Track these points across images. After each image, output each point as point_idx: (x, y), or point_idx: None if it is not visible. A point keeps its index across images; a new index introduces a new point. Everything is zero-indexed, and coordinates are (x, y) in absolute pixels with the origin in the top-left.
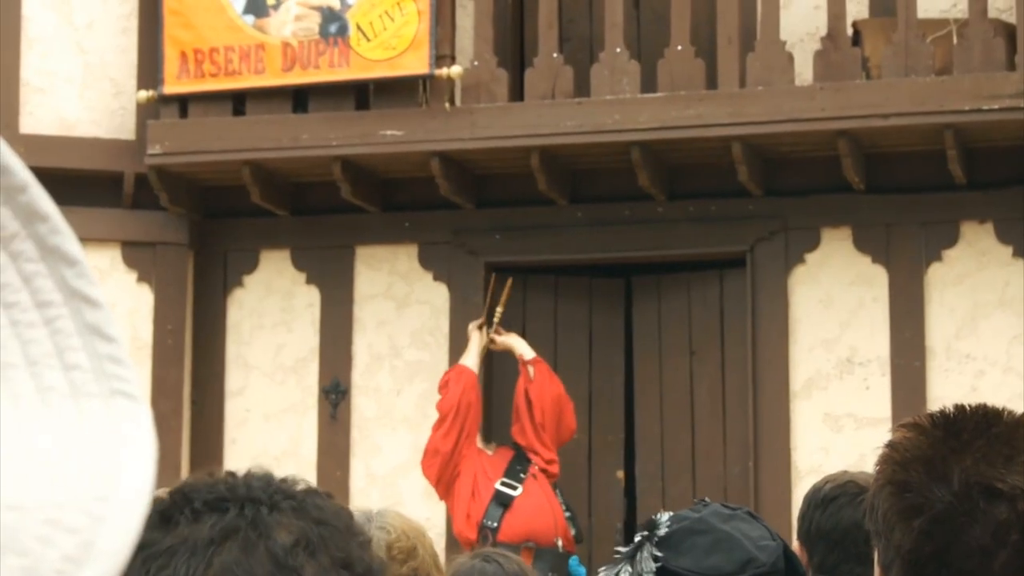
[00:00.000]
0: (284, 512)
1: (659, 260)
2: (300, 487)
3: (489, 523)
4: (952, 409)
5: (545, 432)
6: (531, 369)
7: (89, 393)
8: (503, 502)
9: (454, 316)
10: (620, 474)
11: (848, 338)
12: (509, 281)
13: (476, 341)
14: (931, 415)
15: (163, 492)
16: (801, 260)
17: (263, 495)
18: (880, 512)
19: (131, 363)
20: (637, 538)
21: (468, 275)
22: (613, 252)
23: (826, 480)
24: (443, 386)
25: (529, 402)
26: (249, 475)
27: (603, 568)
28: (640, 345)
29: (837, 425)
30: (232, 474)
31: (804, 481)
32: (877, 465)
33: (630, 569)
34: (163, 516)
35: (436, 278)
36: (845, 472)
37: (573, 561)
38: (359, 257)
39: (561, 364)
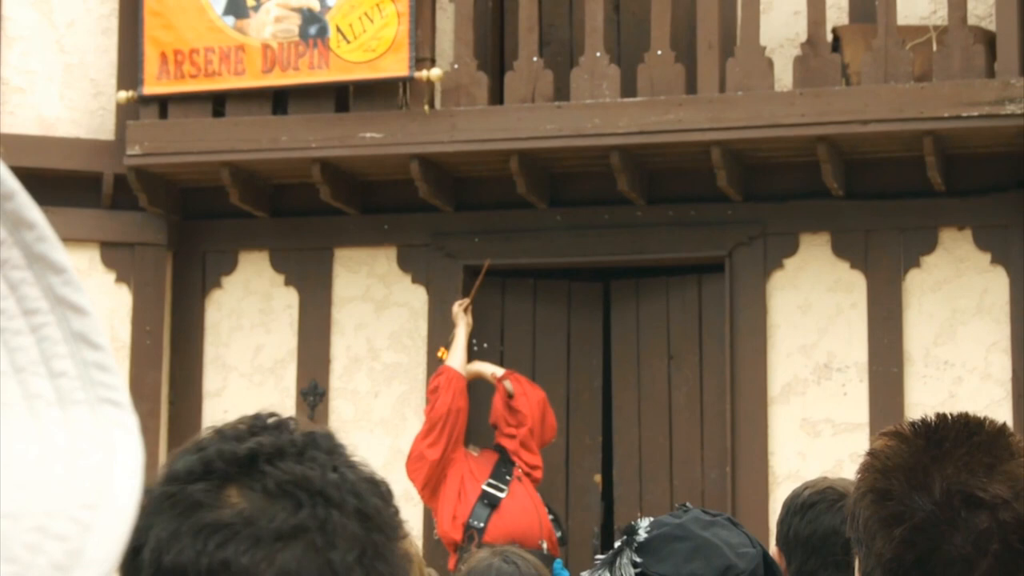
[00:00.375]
0: (350, 516)
1: (638, 264)
2: (364, 473)
3: (475, 523)
4: (934, 418)
5: (532, 439)
6: (508, 384)
7: (76, 400)
8: (490, 503)
9: (432, 319)
10: (597, 478)
11: (826, 344)
12: (486, 263)
13: (461, 331)
14: (912, 423)
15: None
16: (780, 265)
17: (335, 494)
18: (861, 520)
19: (118, 371)
20: (616, 544)
21: (447, 278)
22: (592, 256)
23: (805, 486)
24: (432, 392)
25: (516, 415)
26: (320, 457)
27: (583, 574)
28: (618, 349)
29: (815, 431)
30: (305, 435)
31: (781, 486)
32: (858, 473)
33: (608, 575)
34: (213, 470)
35: (415, 281)
36: (824, 478)
37: (557, 564)
38: (338, 259)
39: (539, 367)
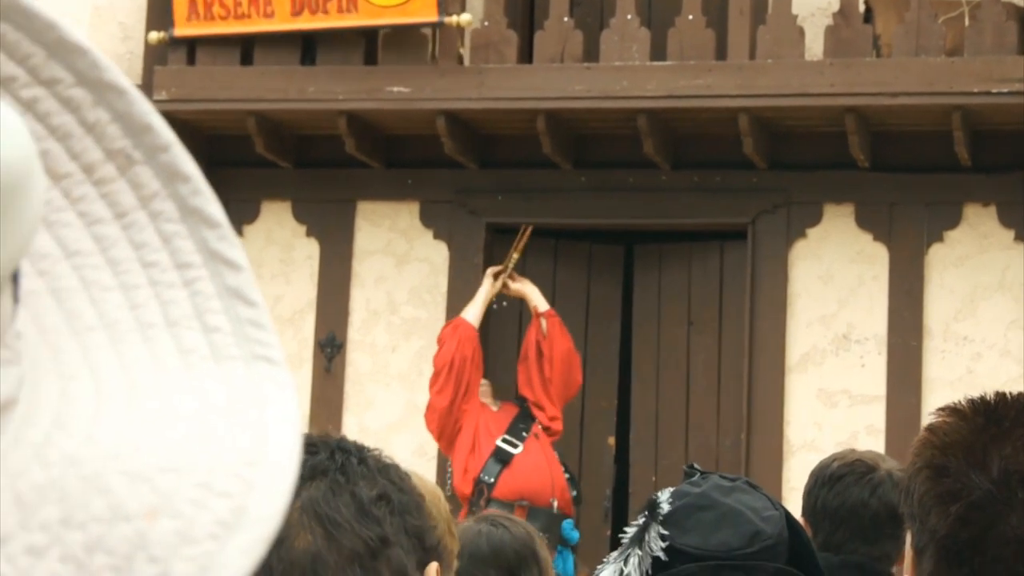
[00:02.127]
0: (370, 468)
1: (660, 228)
2: (386, 458)
3: (486, 478)
4: (993, 396)
5: (552, 386)
6: (544, 322)
7: (230, 356)
8: (502, 459)
9: (453, 275)
10: (611, 441)
11: (846, 315)
12: (528, 229)
13: (485, 290)
14: (972, 401)
15: None
16: (803, 235)
17: (352, 447)
18: (916, 496)
19: (272, 328)
20: (640, 520)
21: (468, 235)
22: (615, 218)
23: (834, 458)
24: (440, 340)
25: (540, 355)
26: (341, 436)
27: (611, 556)
28: (639, 313)
29: (831, 401)
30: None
31: (796, 456)
32: (914, 448)
33: (639, 552)
34: None
35: (436, 236)
36: (852, 450)
37: (567, 524)
38: (360, 212)
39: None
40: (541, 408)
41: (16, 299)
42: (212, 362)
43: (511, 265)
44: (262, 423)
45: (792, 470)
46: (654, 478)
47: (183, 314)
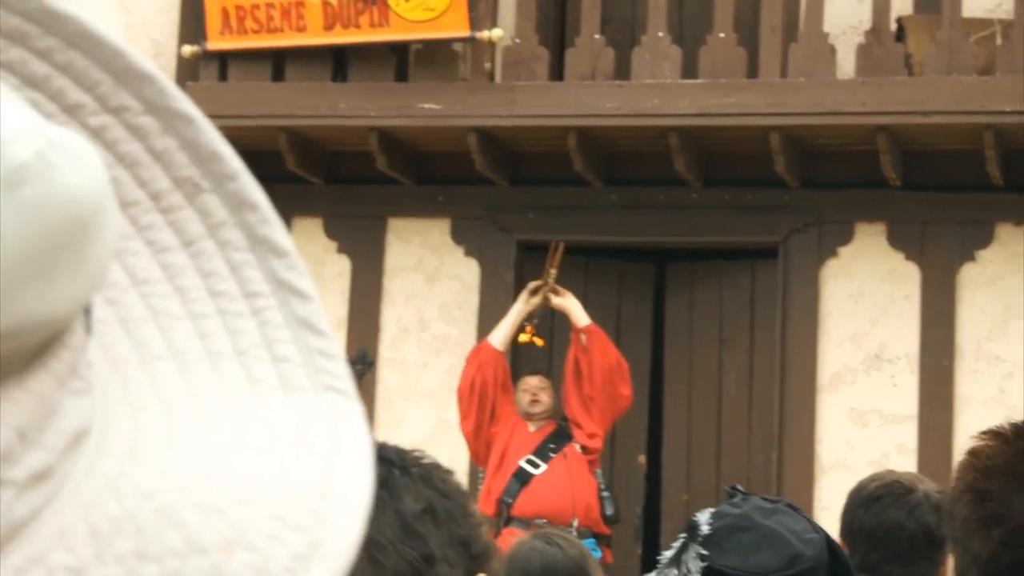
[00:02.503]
0: (413, 478)
1: (691, 247)
2: (427, 460)
3: (506, 499)
4: None
5: (593, 404)
6: (583, 338)
7: (300, 387)
8: (522, 479)
9: (484, 292)
10: (641, 459)
11: (878, 334)
12: (560, 245)
13: (518, 308)
14: (1015, 425)
15: None
16: (834, 253)
17: (395, 457)
18: (959, 519)
19: (342, 358)
20: (679, 539)
21: (499, 252)
22: (645, 236)
23: (872, 479)
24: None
25: (579, 372)
26: (380, 443)
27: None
28: (671, 332)
29: (862, 420)
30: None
31: (827, 475)
32: (957, 471)
33: (677, 572)
34: None
35: (467, 253)
36: (891, 471)
37: (588, 544)
38: (391, 229)
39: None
40: (579, 426)
41: (88, 329)
42: (281, 392)
43: (551, 280)
44: (334, 455)
45: (823, 489)
46: (686, 497)
47: (252, 343)
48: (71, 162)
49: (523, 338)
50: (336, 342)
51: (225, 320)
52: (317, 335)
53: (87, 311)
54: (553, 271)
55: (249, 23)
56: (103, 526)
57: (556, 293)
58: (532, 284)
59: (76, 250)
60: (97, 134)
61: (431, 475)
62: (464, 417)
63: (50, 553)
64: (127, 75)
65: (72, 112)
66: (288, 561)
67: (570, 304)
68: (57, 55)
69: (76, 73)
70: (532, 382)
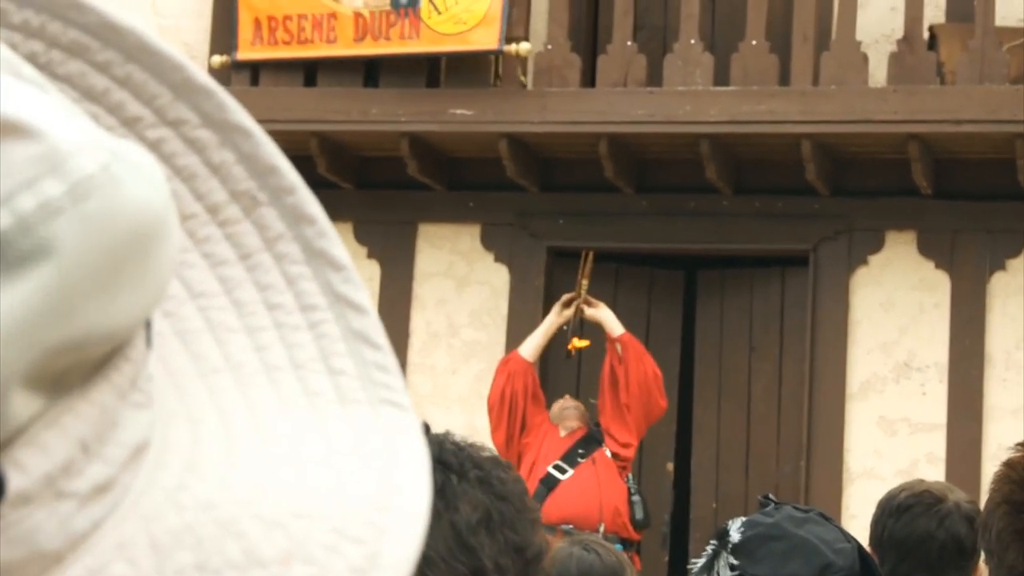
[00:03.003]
0: (471, 483)
1: (721, 254)
2: (486, 454)
3: None
4: None
5: (629, 413)
6: (619, 347)
7: (357, 400)
8: (548, 484)
9: (514, 298)
10: (670, 466)
11: (907, 342)
12: (590, 254)
13: (550, 320)
14: None
15: None
16: (864, 262)
17: (454, 461)
18: (994, 531)
19: (398, 372)
20: (710, 548)
21: (529, 258)
22: (676, 243)
23: (902, 488)
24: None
25: (615, 381)
26: (440, 435)
27: None
28: (701, 339)
29: (891, 429)
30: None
31: (855, 483)
32: (993, 483)
33: None
34: None
35: (497, 259)
36: (921, 481)
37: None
38: (421, 234)
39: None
40: (612, 436)
41: (149, 343)
42: (338, 405)
43: (583, 291)
44: (392, 468)
45: (851, 498)
46: (714, 504)
47: (309, 357)
48: (135, 175)
49: (570, 348)
50: (392, 356)
51: (282, 333)
52: (374, 348)
53: (148, 324)
54: (585, 282)
55: (280, 34)
56: (163, 538)
57: (589, 304)
58: (565, 296)
59: (139, 263)
60: (155, 147)
61: (489, 477)
62: (495, 428)
63: (110, 565)
64: (185, 88)
65: (130, 125)
66: (347, 574)
67: (604, 315)
68: (116, 68)
69: (135, 86)
70: (567, 400)
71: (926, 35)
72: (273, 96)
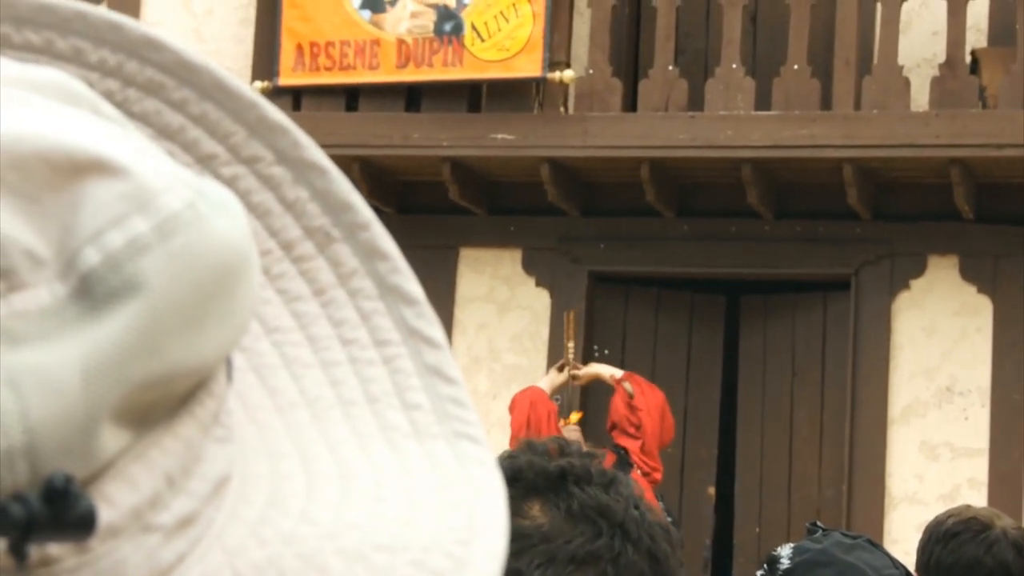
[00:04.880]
0: (642, 555)
1: (763, 279)
2: (657, 517)
3: None
4: None
5: (652, 442)
6: (628, 386)
7: (432, 434)
8: None
9: (555, 322)
10: (711, 491)
11: (949, 367)
12: (571, 314)
13: (551, 377)
14: None
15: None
16: (906, 286)
17: (633, 529)
18: None
19: (472, 406)
20: (759, 574)
21: (571, 282)
22: (717, 268)
23: (948, 514)
24: (511, 407)
25: (637, 413)
26: (625, 494)
27: None
28: (745, 364)
29: (934, 454)
30: (612, 472)
31: (898, 508)
32: None
33: None
34: (521, 479)
35: (539, 284)
36: (968, 507)
37: None
38: (463, 259)
39: (658, 377)
40: (641, 460)
41: (230, 377)
42: (414, 440)
43: (570, 356)
44: (470, 500)
45: (893, 523)
46: (757, 529)
47: (383, 391)
48: (219, 213)
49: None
50: (466, 390)
51: (356, 368)
52: (448, 383)
53: (228, 359)
54: (570, 344)
55: (322, 60)
56: (246, 572)
57: (577, 369)
58: (557, 365)
59: (223, 299)
60: (229, 184)
61: (657, 551)
62: None
63: None
64: (260, 126)
65: (206, 163)
66: None
67: (596, 369)
68: (192, 106)
69: (210, 124)
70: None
71: (968, 59)
72: (315, 121)
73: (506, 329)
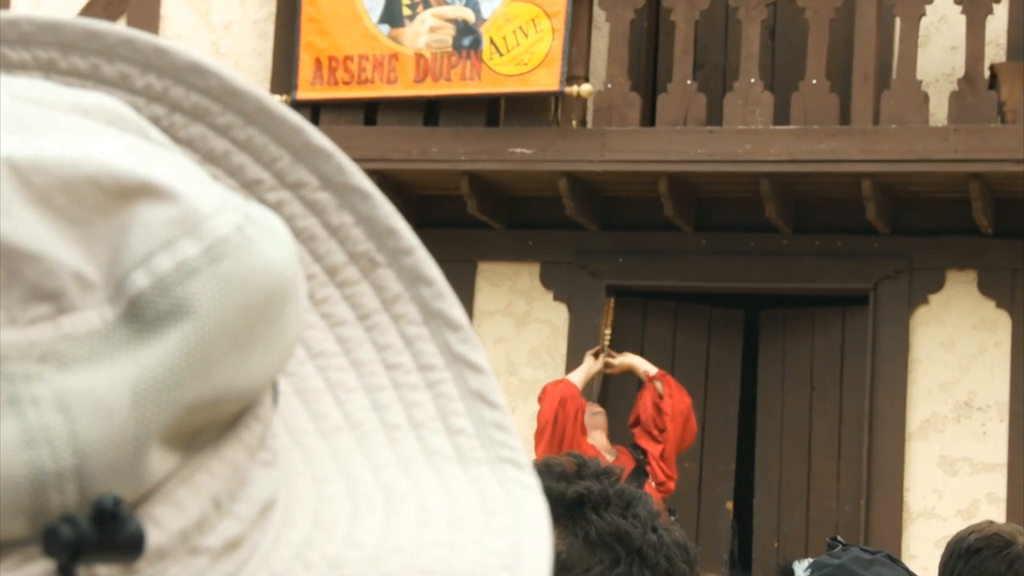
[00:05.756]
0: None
1: (781, 293)
2: (676, 536)
3: None
4: None
5: (669, 444)
6: (659, 384)
7: (476, 459)
8: None
9: (573, 337)
10: (729, 505)
11: (968, 382)
12: (610, 301)
13: (586, 367)
14: None
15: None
16: (924, 301)
17: (651, 554)
18: None
19: (516, 431)
20: None
21: (589, 296)
22: (735, 282)
23: (970, 530)
24: (541, 397)
25: (663, 416)
26: (642, 515)
27: None
28: (764, 378)
29: (952, 469)
30: (629, 490)
31: (916, 523)
32: None
33: None
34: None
35: (557, 298)
36: (991, 523)
37: None
38: (481, 272)
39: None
40: (663, 472)
41: (275, 401)
42: (458, 464)
43: (606, 343)
44: (514, 524)
45: (912, 537)
46: (776, 544)
47: (427, 416)
48: (267, 236)
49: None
50: (509, 414)
51: (400, 393)
52: (491, 408)
53: (274, 383)
54: (607, 331)
55: (341, 74)
56: None
57: (612, 358)
58: (591, 350)
59: (271, 323)
60: (275, 209)
61: (676, 571)
62: (546, 451)
63: None
64: (305, 151)
65: (251, 188)
66: None
67: (632, 360)
68: (237, 131)
69: (255, 149)
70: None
71: (987, 74)
72: (333, 135)
73: (524, 343)
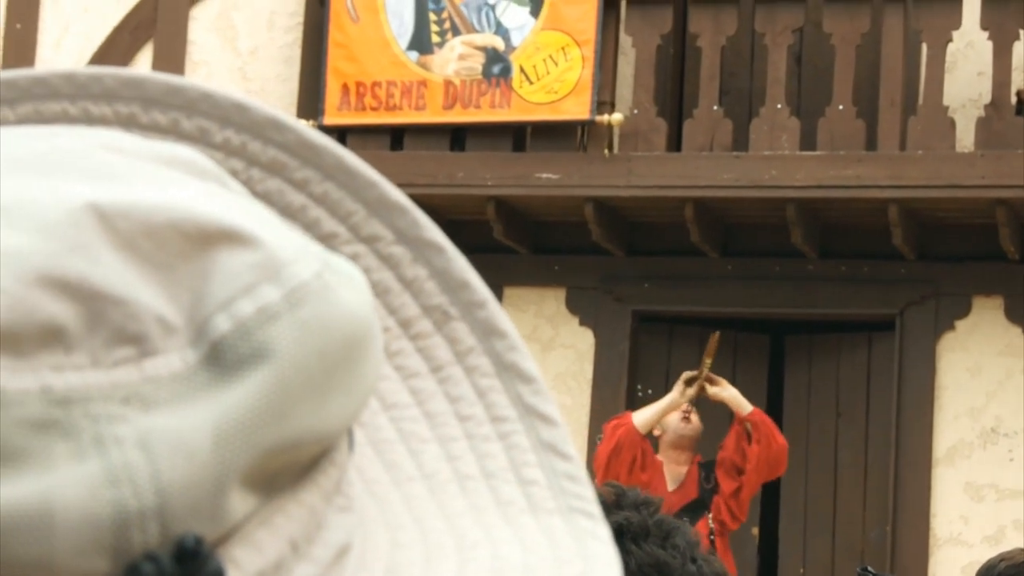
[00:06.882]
0: None
1: (807, 318)
2: (715, 567)
3: None
4: None
5: (745, 488)
6: (748, 426)
7: (548, 510)
8: None
9: (598, 362)
10: (755, 531)
11: (994, 408)
12: (716, 335)
13: (672, 397)
14: None
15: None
16: (951, 327)
17: None
18: None
19: (588, 482)
20: None
21: (614, 322)
22: (761, 307)
23: (1001, 557)
24: (601, 433)
25: (742, 461)
26: (681, 545)
27: None
28: (790, 404)
29: (979, 495)
30: (669, 520)
31: (942, 549)
32: None
33: None
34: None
35: (582, 323)
36: (1022, 550)
37: None
38: (506, 298)
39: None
40: (731, 512)
41: (351, 448)
42: (530, 515)
43: (707, 370)
44: (585, 574)
45: (938, 564)
46: (802, 570)
47: (500, 467)
48: (346, 284)
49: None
50: (581, 466)
51: (473, 444)
52: (563, 459)
53: (350, 430)
54: (708, 360)
55: (368, 100)
56: None
57: (712, 383)
58: (686, 374)
59: (348, 369)
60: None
61: None
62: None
63: None
64: (380, 205)
65: (326, 241)
66: None
67: (730, 393)
68: (314, 186)
69: (331, 203)
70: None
71: (1014, 100)
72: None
73: (549, 368)
